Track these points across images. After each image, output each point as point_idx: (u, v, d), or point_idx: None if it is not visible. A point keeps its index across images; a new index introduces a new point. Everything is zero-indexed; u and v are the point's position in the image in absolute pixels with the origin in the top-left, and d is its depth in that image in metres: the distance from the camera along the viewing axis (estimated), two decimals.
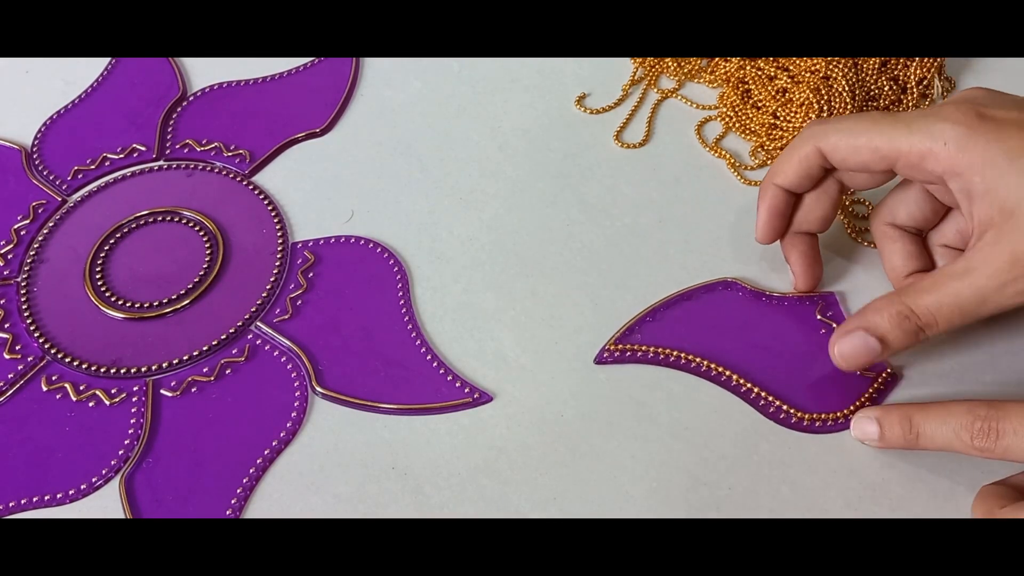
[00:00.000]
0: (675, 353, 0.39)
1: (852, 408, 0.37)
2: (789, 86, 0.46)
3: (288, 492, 0.36)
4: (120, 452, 0.37)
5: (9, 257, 0.44)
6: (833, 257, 0.42)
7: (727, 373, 0.38)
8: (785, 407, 0.37)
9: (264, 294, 0.42)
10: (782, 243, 0.40)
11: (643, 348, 0.39)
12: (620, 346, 0.39)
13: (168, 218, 0.45)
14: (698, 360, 0.38)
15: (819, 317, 0.39)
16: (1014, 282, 0.33)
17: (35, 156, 0.48)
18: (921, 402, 0.34)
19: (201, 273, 0.42)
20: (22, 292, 0.42)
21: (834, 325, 0.39)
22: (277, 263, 0.43)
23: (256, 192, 0.46)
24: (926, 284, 0.34)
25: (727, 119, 0.48)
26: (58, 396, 0.39)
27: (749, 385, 0.37)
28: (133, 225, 0.45)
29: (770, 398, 0.37)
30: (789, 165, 0.37)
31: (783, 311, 0.40)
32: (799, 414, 0.37)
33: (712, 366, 0.38)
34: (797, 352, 0.39)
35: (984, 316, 0.34)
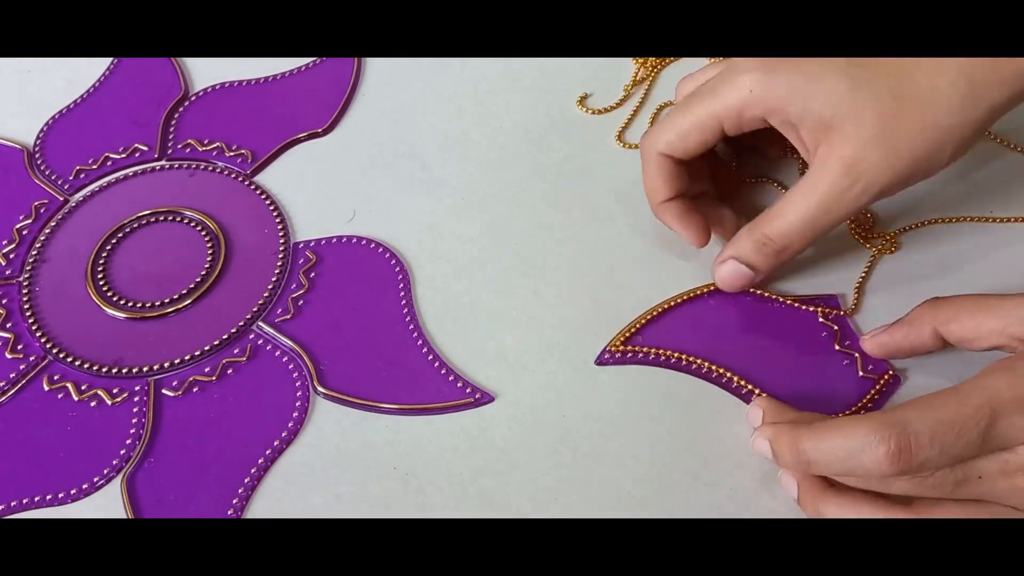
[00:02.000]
0: (676, 355, 0.39)
1: (853, 410, 0.37)
2: None
3: (290, 492, 0.36)
4: (122, 452, 0.37)
5: (11, 257, 0.44)
6: (836, 258, 0.42)
7: (728, 375, 0.38)
8: None
9: (266, 294, 0.42)
10: (658, 213, 0.41)
11: (644, 350, 0.39)
12: (621, 347, 0.39)
13: (170, 218, 0.45)
14: (699, 362, 0.38)
15: (821, 320, 0.39)
16: (851, 186, 0.35)
17: (37, 156, 0.48)
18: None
19: (203, 273, 0.43)
20: (24, 292, 0.42)
21: (836, 327, 0.39)
22: (279, 263, 0.43)
23: (258, 192, 0.46)
24: (775, 210, 0.37)
25: None
26: (60, 396, 0.39)
27: (751, 387, 0.37)
28: (135, 225, 0.45)
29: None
30: (653, 181, 0.40)
31: (785, 314, 0.40)
32: None
33: (714, 368, 0.38)
34: (799, 354, 0.39)
35: (835, 225, 0.37)
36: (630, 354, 0.39)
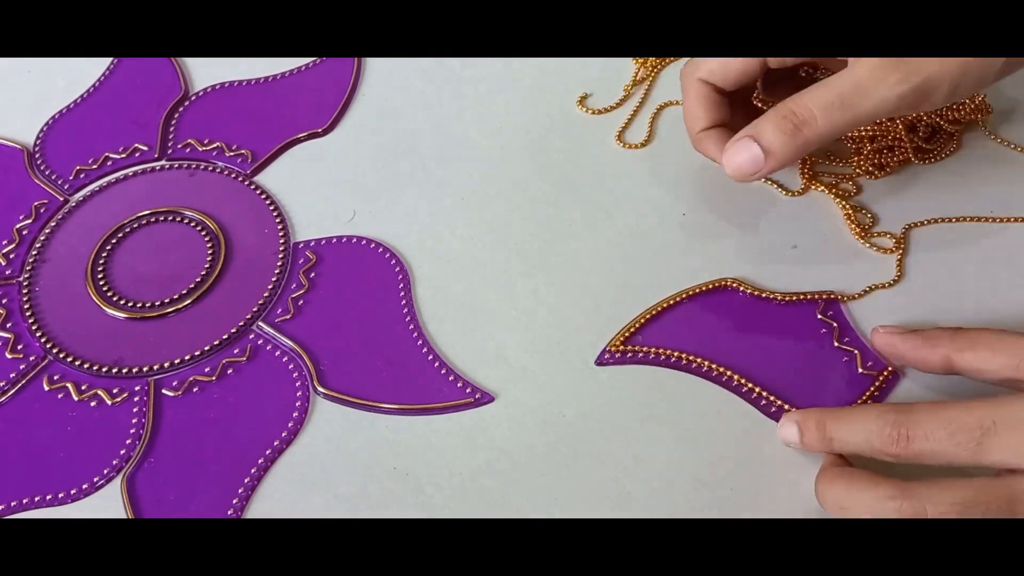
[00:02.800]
0: (676, 354, 0.39)
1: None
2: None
3: (290, 492, 0.36)
4: (122, 452, 0.37)
5: (11, 256, 0.44)
6: (835, 257, 0.42)
7: (728, 373, 0.38)
8: (787, 407, 0.37)
9: (266, 294, 0.42)
10: (698, 143, 0.41)
11: (644, 349, 0.39)
12: (621, 347, 0.39)
13: (170, 218, 0.45)
14: (699, 361, 0.38)
15: (820, 317, 0.39)
16: (895, 69, 0.34)
17: (37, 156, 0.48)
18: (840, 408, 0.34)
19: (203, 273, 0.43)
20: (24, 292, 0.42)
21: (835, 325, 0.39)
22: (279, 263, 0.43)
23: (258, 192, 0.46)
24: (809, 88, 0.36)
25: None
26: (60, 396, 0.39)
27: (751, 385, 0.37)
28: (135, 225, 0.45)
29: (771, 398, 0.37)
30: (693, 109, 0.41)
31: (784, 311, 0.40)
32: None
33: (713, 366, 0.38)
34: (798, 351, 0.39)
35: (867, 114, 0.35)
36: (630, 354, 0.39)
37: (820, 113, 0.36)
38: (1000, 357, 0.33)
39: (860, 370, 0.38)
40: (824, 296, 0.40)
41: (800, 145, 0.36)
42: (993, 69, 0.35)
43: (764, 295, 0.40)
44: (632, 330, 0.39)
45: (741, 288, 0.41)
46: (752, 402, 0.37)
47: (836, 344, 0.38)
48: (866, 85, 0.35)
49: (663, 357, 0.39)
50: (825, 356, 0.38)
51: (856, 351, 0.38)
